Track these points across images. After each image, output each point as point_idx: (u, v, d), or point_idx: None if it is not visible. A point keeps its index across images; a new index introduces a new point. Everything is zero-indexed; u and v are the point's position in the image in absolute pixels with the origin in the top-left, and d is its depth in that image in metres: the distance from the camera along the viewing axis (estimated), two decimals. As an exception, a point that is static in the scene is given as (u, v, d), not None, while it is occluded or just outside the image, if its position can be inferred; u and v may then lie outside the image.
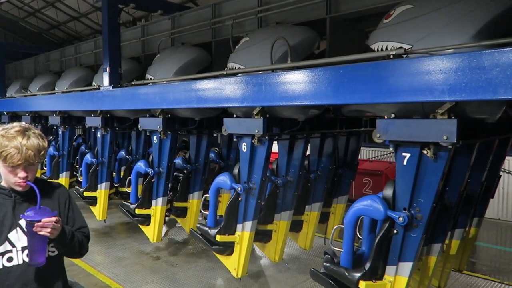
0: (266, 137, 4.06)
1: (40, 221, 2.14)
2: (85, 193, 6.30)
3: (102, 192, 6.41)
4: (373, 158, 12.31)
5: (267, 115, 4.04)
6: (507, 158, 9.22)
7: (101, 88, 6.03)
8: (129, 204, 5.56)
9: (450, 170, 3.56)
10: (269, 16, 4.94)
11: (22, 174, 2.22)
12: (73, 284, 3.07)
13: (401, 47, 3.07)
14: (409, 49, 3.05)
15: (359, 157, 11.88)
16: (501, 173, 5.11)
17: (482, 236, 8.28)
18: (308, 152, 5.05)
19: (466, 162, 3.56)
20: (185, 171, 5.56)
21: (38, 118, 8.37)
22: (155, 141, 5.26)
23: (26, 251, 2.26)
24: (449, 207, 3.62)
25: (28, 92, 8.89)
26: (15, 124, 2.27)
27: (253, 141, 4.11)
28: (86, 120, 6.41)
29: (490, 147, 4.00)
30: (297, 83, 3.33)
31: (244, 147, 4.22)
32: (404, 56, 2.96)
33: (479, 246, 7.81)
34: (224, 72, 4.30)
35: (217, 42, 5.58)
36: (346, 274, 3.37)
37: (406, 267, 3.24)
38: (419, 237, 3.14)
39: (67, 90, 7.37)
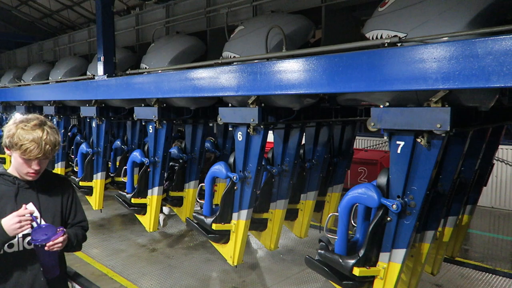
0: (261, 126, 4.07)
1: (49, 241, 2.20)
2: (81, 183, 6.30)
3: (97, 182, 6.42)
4: (369, 147, 12.39)
5: (262, 104, 4.06)
6: (501, 146, 9.46)
7: (96, 77, 6.01)
8: (125, 193, 5.57)
9: (443, 158, 3.60)
10: (264, 4, 4.94)
11: (36, 167, 2.27)
12: (70, 272, 3.12)
13: (395, 36, 3.10)
14: (403, 38, 3.05)
15: (354, 147, 12.06)
16: (494, 161, 5.17)
17: (475, 223, 8.60)
18: (303, 141, 5.10)
19: (460, 150, 3.59)
20: (180, 161, 5.58)
21: (33, 108, 8.34)
22: (151, 131, 5.27)
23: (27, 238, 2.30)
24: (442, 194, 3.67)
25: (22, 81, 8.85)
26: (31, 116, 2.30)
27: (248, 130, 4.12)
28: (81, 110, 6.40)
29: (483, 135, 4.04)
30: (292, 72, 3.33)
31: (239, 136, 4.24)
32: (399, 44, 2.97)
33: (472, 233, 7.99)
34: (220, 61, 4.29)
35: (212, 31, 5.58)
36: (341, 261, 3.42)
37: (399, 253, 3.30)
38: (412, 224, 3.19)
39: (62, 80, 7.34)
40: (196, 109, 5.41)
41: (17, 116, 2.36)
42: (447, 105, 2.83)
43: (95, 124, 6.23)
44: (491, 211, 9.74)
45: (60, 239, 2.24)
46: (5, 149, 2.31)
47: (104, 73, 5.81)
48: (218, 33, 5.35)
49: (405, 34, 3.07)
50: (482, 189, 4.69)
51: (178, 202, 5.77)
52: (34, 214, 2.25)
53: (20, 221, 2.14)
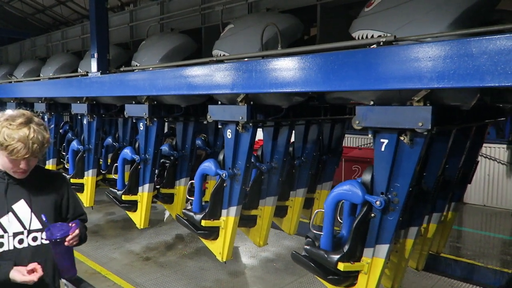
0: (250, 124, 4.16)
1: (68, 235, 2.22)
2: (72, 180, 6.35)
3: (89, 178, 6.48)
4: (363, 146, 12.51)
5: (251, 102, 4.13)
6: (493, 145, 9.88)
7: (89, 74, 6.02)
8: (115, 190, 5.65)
9: (427, 156, 3.71)
10: (259, 2, 4.99)
11: (24, 166, 2.22)
12: None
13: (380, 35, 3.19)
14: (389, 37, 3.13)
15: (348, 145, 12.05)
16: (479, 159, 5.29)
17: (467, 221, 8.88)
18: (293, 139, 5.19)
19: (443, 148, 3.71)
20: (171, 158, 5.66)
21: (24, 105, 8.38)
22: (141, 128, 5.34)
23: (18, 237, 2.26)
24: (426, 191, 3.79)
25: (13, 78, 8.87)
26: (16, 113, 2.21)
27: (237, 128, 4.20)
28: (72, 107, 6.45)
29: (467, 134, 4.16)
30: (287, 70, 3.38)
31: (228, 133, 4.32)
32: (394, 43, 3.02)
33: (464, 231, 8.18)
34: (214, 59, 4.34)
35: (207, 28, 5.65)
36: (326, 256, 3.52)
37: (383, 249, 3.39)
38: (395, 220, 3.28)
39: (55, 76, 7.35)
40: (187, 107, 5.47)
41: (6, 112, 2.27)
42: (428, 104, 2.93)
43: (86, 121, 6.28)
44: (483, 209, 9.92)
45: (77, 231, 2.25)
46: None
47: (98, 70, 5.83)
48: (213, 31, 5.38)
49: (390, 34, 3.11)
50: (467, 186, 4.83)
51: (169, 199, 5.84)
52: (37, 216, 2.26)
53: (24, 280, 2.15)
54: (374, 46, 3.02)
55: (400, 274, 3.99)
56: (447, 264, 6.46)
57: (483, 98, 3.67)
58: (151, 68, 5.17)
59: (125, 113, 5.44)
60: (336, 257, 3.45)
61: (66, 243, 2.21)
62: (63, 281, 2.84)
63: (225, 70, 3.92)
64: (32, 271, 2.17)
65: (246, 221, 4.96)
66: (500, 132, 10.30)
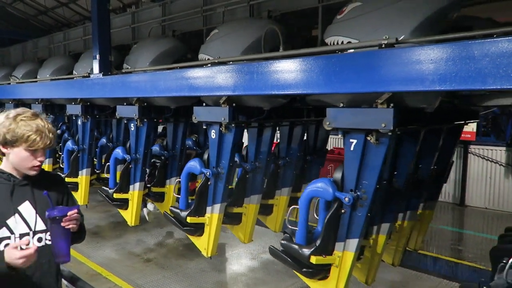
0: (233, 125, 4.42)
1: (66, 215, 2.24)
2: (67, 179, 6.63)
3: (83, 178, 6.75)
4: None
5: (234, 104, 4.39)
6: (493, 147, 10.35)
7: (91, 75, 6.16)
8: (107, 189, 5.93)
9: (397, 156, 3.98)
10: (261, 4, 5.12)
11: (42, 158, 2.31)
12: (64, 271, 3.36)
13: (350, 42, 3.44)
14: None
15: (337, 146, 12.24)
16: (481, 161, 5.56)
17: (468, 224, 9.25)
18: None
19: (411, 148, 3.96)
20: (162, 158, 5.95)
21: (22, 106, 8.66)
22: (132, 129, 5.62)
23: (24, 238, 2.30)
24: (397, 189, 4.06)
25: (14, 78, 9.12)
26: (20, 109, 2.32)
27: (220, 129, 4.47)
28: (67, 108, 6.72)
29: (438, 135, 4.42)
30: (289, 72, 3.46)
31: (213, 134, 4.58)
32: (396, 46, 3.10)
33: (465, 234, 8.44)
34: (216, 61, 4.48)
35: (209, 30, 5.70)
36: (300, 250, 3.77)
37: (353, 243, 3.64)
38: (364, 216, 3.53)
39: (56, 78, 7.55)
40: (177, 108, 5.73)
41: (10, 110, 2.34)
42: (392, 106, 3.17)
43: (81, 122, 6.55)
44: (484, 211, 10.15)
45: (76, 214, 2.27)
46: (1, 148, 2.27)
47: (100, 71, 5.95)
48: None
49: (357, 41, 3.41)
50: (442, 185, 5.08)
51: (160, 197, 6.12)
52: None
53: (23, 254, 2.10)
54: (376, 48, 3.11)
55: (374, 268, 4.25)
56: (422, 260, 6.74)
57: (453, 101, 3.96)
58: (147, 71, 5.41)
59: (116, 114, 5.73)
60: (309, 250, 3.70)
61: (63, 223, 2.23)
62: (64, 282, 3.05)
63: (227, 72, 4.04)
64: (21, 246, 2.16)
65: (232, 219, 5.21)
66: (502, 134, 10.50)
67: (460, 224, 9.48)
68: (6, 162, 2.32)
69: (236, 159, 4.88)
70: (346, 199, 3.51)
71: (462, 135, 9.01)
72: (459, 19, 3.87)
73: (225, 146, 4.56)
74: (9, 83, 8.96)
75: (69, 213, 2.25)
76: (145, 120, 5.49)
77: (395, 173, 4.06)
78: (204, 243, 4.90)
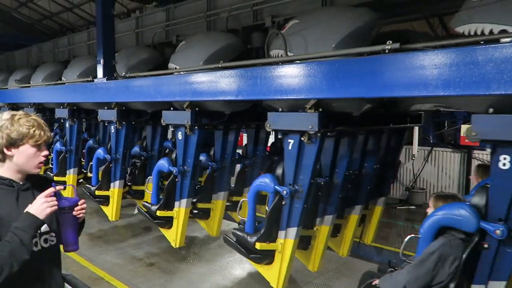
0: (196, 127, 5.07)
1: (77, 205, 2.38)
2: (56, 178, 7.32)
3: (70, 177, 7.45)
4: None
5: (196, 108, 5.00)
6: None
7: (95, 80, 6.39)
8: (90, 186, 6.62)
9: (335, 154, 4.59)
10: (264, 9, 5.35)
11: (46, 151, 2.40)
12: (67, 275, 3.72)
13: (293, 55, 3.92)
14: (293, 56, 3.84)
15: None
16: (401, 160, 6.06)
17: None
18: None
19: (347, 148, 4.59)
20: (142, 158, 6.64)
21: (16, 109, 8.98)
22: (112, 131, 6.27)
23: (33, 240, 2.30)
24: (336, 185, 4.67)
25: (19, 83, 9.46)
26: (8, 111, 2.39)
27: (186, 131, 5.11)
28: (55, 111, 7.38)
29: (379, 137, 5.04)
30: (292, 77, 3.60)
31: (179, 135, 5.24)
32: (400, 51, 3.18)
33: None
34: (220, 65, 4.61)
35: None
36: (247, 238, 4.40)
37: (293, 231, 4.23)
38: (300, 207, 4.14)
39: (60, 82, 7.91)
40: (155, 112, 6.22)
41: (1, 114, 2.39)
42: (319, 111, 3.73)
43: (68, 124, 7.22)
44: None
45: (85, 204, 2.41)
46: (6, 151, 2.28)
47: (104, 76, 6.17)
48: None
49: (292, 54, 3.94)
50: (389, 184, 5.67)
51: (140, 195, 6.74)
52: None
53: (47, 200, 2.22)
54: (381, 53, 3.23)
55: (319, 256, 4.87)
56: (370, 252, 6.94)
57: (386, 105, 4.57)
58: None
59: (98, 117, 6.40)
60: (254, 238, 4.34)
61: (74, 213, 2.36)
62: (68, 287, 3.07)
63: (230, 77, 4.21)
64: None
65: (202, 214, 5.88)
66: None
67: None
68: (4, 167, 2.34)
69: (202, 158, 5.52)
70: (285, 192, 4.11)
71: (466, 140, 9.49)
72: (398, 33, 4.46)
73: (190, 146, 5.22)
74: (5, 88, 9.62)
75: (79, 203, 2.40)
76: (124, 122, 6.16)
77: (336, 170, 4.68)
78: (173, 235, 5.57)
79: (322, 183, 4.61)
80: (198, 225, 6.63)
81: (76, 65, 7.73)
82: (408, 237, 3.63)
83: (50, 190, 2.28)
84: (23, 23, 21.08)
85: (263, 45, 4.54)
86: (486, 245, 3.04)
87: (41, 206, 2.21)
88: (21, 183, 2.36)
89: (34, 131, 2.28)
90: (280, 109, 4.17)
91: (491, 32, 2.89)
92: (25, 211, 2.21)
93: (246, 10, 5.48)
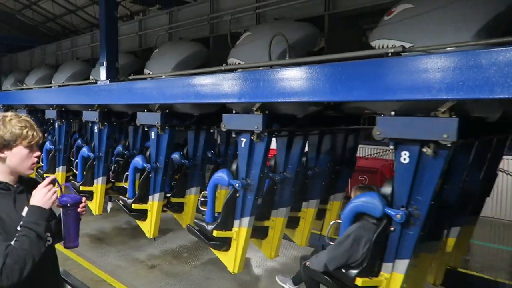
0: (166, 127, 5.69)
1: (80, 201, 2.50)
2: (45, 175, 8.03)
3: (59, 174, 8.07)
4: (370, 156, 13.22)
5: (167, 110, 5.56)
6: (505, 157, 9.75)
7: (98, 82, 6.64)
8: (75, 182, 7.26)
9: (288, 153, 5.13)
10: (267, 12, 5.50)
11: (38, 152, 2.47)
12: (69, 277, 4.18)
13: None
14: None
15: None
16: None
17: (475, 233, 8.20)
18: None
19: (299, 146, 5.13)
20: (124, 157, 7.27)
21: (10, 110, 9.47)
22: (96, 131, 6.91)
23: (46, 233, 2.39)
24: (289, 180, 5.22)
25: (24, 85, 9.95)
26: (1, 113, 2.44)
27: (158, 131, 5.71)
28: (45, 113, 7.99)
29: (334, 136, 5.64)
30: (295, 80, 3.66)
31: (152, 134, 5.80)
32: (403, 54, 3.26)
33: (472, 243, 8.35)
34: (222, 68, 4.83)
35: (215, 37, 6.16)
36: (206, 227, 5.02)
37: (245, 221, 4.81)
38: (251, 200, 4.70)
39: (63, 84, 8.31)
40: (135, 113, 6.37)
41: None
42: (265, 113, 4.31)
43: (57, 125, 7.83)
44: (492, 221, 10.30)
45: (86, 202, 2.54)
46: None
47: (107, 78, 6.43)
48: (221, 40, 5.85)
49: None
50: (347, 180, 6.17)
51: (124, 191, 6.83)
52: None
53: (49, 189, 2.32)
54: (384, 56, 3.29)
55: (276, 246, 5.45)
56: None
57: (333, 108, 5.11)
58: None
59: (82, 118, 7.01)
60: (212, 226, 4.96)
61: (79, 209, 2.48)
62: None
63: (233, 79, 4.32)
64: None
65: (177, 208, 6.53)
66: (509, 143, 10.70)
67: None
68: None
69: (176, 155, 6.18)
70: (237, 185, 4.70)
71: None
72: None
73: (162, 145, 5.85)
74: (21, 89, 9.91)
75: (83, 199, 2.53)
76: (106, 123, 6.80)
77: (289, 166, 5.26)
78: (147, 227, 6.18)
79: (276, 178, 5.15)
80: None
81: (65, 69, 8.41)
82: (332, 222, 4.33)
83: (48, 179, 2.37)
84: (26, 25, 21.79)
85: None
86: (392, 228, 3.61)
87: (45, 196, 2.29)
88: (15, 186, 2.42)
89: (27, 132, 2.35)
90: (234, 111, 4.72)
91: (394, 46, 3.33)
92: (29, 204, 2.28)
93: (249, 13, 5.68)
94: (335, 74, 3.34)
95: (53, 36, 21.06)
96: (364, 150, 13.36)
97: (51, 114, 7.97)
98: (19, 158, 2.37)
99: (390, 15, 3.71)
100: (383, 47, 3.55)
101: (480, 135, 3.95)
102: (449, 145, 3.10)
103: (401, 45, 3.35)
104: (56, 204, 2.42)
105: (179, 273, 6.87)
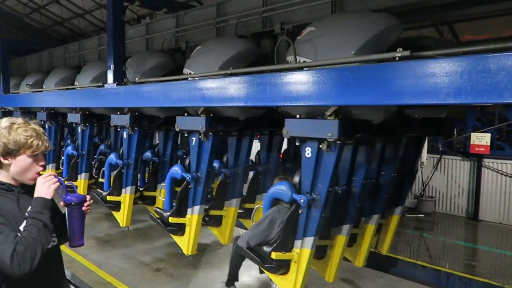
0: (136, 128, 6.70)
1: (85, 200, 2.57)
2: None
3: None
4: None
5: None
6: (508, 161, 10.69)
7: (105, 85, 6.95)
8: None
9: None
10: (273, 16, 5.64)
11: (43, 162, 2.54)
12: (74, 279, 5.00)
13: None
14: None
15: None
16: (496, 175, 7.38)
17: (482, 239, 9.62)
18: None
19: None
20: (107, 155, 7.84)
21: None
22: (79, 131, 8.03)
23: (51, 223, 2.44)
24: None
25: (28, 87, 10.75)
26: (7, 118, 2.53)
27: (128, 132, 6.67)
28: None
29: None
30: (302, 84, 3.79)
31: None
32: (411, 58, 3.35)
33: (479, 249, 8.74)
34: (229, 72, 4.98)
35: None
36: (163, 214, 6.09)
37: (196, 209, 5.85)
38: (201, 190, 5.68)
39: (72, 87, 8.86)
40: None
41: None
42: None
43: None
44: (499, 226, 10.55)
45: (91, 200, 2.61)
46: (2, 159, 2.43)
47: (114, 81, 6.66)
48: None
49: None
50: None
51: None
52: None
53: (46, 179, 2.42)
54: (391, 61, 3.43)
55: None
56: (435, 275, 7.45)
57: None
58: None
59: (67, 119, 7.99)
60: (168, 213, 6.01)
61: (84, 208, 2.55)
62: None
63: (239, 83, 4.47)
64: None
65: (149, 201, 7.65)
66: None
67: (474, 239, 9.73)
68: (2, 174, 2.49)
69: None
70: (188, 177, 5.78)
71: (476, 148, 10.45)
72: (417, 39, 4.94)
73: (132, 143, 6.98)
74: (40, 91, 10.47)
75: (87, 198, 2.60)
76: (88, 124, 7.95)
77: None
78: (121, 216, 7.27)
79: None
80: (206, 231, 7.38)
81: (88, 71, 8.75)
82: (256, 206, 5.55)
83: (48, 173, 2.48)
84: (34, 29, 22.63)
85: (273, 52, 4.96)
86: (300, 211, 4.50)
87: (43, 186, 2.39)
88: (19, 187, 2.52)
89: (32, 141, 2.41)
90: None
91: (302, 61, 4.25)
92: (34, 198, 2.39)
93: (255, 16, 5.84)
94: (342, 78, 3.53)
95: (60, 40, 21.99)
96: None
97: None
98: (22, 167, 2.46)
99: (301, 36, 4.62)
100: (290, 62, 4.47)
101: (372, 135, 4.66)
102: (338, 142, 3.96)
103: (304, 61, 4.27)
104: (61, 203, 2.55)
105: (184, 276, 7.12)
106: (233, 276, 6.23)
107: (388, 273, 7.54)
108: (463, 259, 7.99)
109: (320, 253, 5.28)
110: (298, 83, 3.87)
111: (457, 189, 11.36)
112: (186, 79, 5.54)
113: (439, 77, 2.88)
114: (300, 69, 4.15)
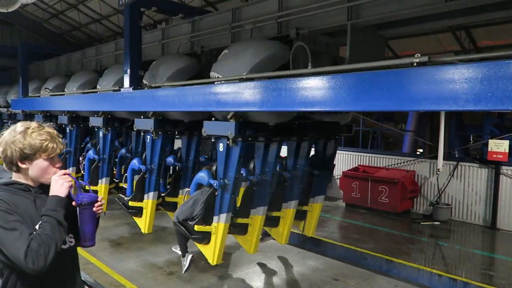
0: (109, 129, 7.98)
1: (97, 201, 2.62)
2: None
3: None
4: (390, 166, 13.20)
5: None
6: None
7: (122, 89, 7.22)
8: (123, 196, 7.96)
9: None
10: (290, 21, 5.76)
11: (59, 163, 2.61)
12: (89, 281, 5.28)
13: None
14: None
15: (378, 164, 13.45)
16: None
17: (500, 248, 9.39)
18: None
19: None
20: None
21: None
22: (68, 132, 9.24)
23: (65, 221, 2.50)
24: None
25: (47, 91, 11.08)
26: (22, 123, 2.58)
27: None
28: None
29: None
30: (317, 89, 3.85)
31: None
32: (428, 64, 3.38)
33: (497, 259, 8.51)
34: (244, 77, 5.10)
35: None
36: (125, 199, 7.42)
37: (151, 195, 7.14)
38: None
39: (90, 91, 9.12)
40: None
41: (16, 125, 2.57)
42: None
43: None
44: None
45: (103, 200, 2.67)
46: (20, 164, 2.48)
47: (130, 86, 6.92)
48: None
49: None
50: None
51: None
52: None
53: (59, 177, 2.48)
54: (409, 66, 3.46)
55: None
56: (451, 285, 7.37)
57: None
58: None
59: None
60: (128, 198, 7.34)
61: (94, 209, 2.59)
62: None
63: (255, 88, 4.58)
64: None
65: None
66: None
67: (492, 248, 9.51)
68: (20, 174, 2.55)
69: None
70: (143, 168, 7.15)
71: (494, 155, 10.33)
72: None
73: (107, 141, 8.36)
74: (39, 96, 11.49)
75: (99, 198, 2.66)
76: (74, 125, 9.27)
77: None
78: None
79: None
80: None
81: (110, 74, 8.88)
82: (186, 190, 7.07)
83: (62, 171, 2.55)
84: (53, 34, 23.26)
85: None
86: (216, 193, 5.85)
87: (57, 184, 2.46)
88: (36, 188, 2.56)
89: (47, 145, 2.47)
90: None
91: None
92: (49, 196, 2.46)
93: (270, 22, 5.98)
94: (358, 84, 3.57)
95: (78, 44, 22.24)
96: (384, 161, 13.50)
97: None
98: (39, 170, 2.51)
99: (220, 55, 5.77)
100: (213, 77, 5.50)
101: (269, 135, 5.83)
102: (239, 139, 5.20)
103: (217, 76, 5.39)
104: (73, 202, 2.57)
105: (196, 280, 7.22)
106: (183, 247, 6.80)
107: (312, 251, 8.90)
108: (480, 268, 7.85)
109: (242, 230, 6.54)
110: (314, 88, 3.95)
111: (474, 197, 11.18)
112: (213, 82, 5.62)
113: (458, 83, 2.88)
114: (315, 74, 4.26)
